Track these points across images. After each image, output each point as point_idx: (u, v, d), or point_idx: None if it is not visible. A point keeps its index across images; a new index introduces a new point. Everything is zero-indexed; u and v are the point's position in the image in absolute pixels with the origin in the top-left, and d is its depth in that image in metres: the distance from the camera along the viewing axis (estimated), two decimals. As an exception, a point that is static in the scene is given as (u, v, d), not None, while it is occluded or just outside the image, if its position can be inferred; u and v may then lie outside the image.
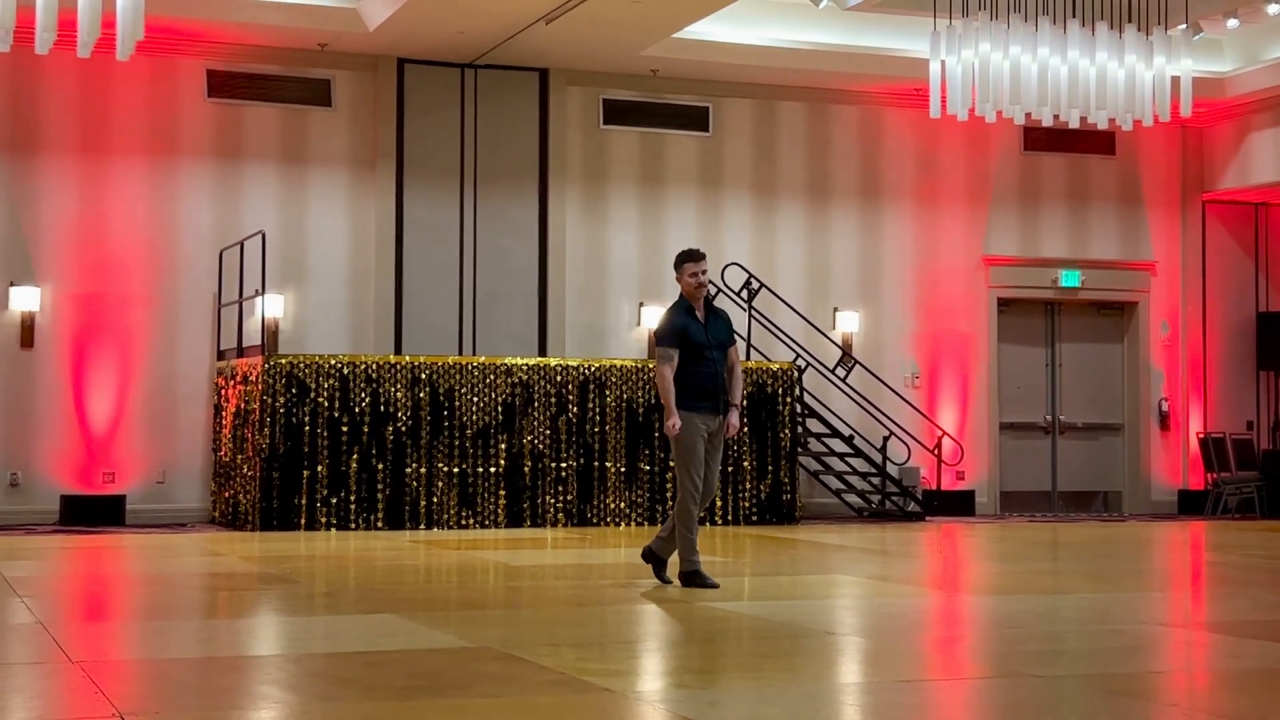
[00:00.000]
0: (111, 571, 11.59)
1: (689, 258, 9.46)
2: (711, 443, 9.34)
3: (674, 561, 9.58)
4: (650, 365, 15.21)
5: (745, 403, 15.37)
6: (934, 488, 17.40)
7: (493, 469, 14.68)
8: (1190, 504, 18.51)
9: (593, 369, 15.04)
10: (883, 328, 17.69)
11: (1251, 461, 18.51)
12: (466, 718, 5.62)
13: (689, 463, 9.25)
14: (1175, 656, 7.48)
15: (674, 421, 9.19)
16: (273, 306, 15.48)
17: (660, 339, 9.40)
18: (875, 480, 17.01)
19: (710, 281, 15.99)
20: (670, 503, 14.85)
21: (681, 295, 9.49)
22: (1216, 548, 13.88)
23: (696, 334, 9.35)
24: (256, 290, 14.73)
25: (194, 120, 15.67)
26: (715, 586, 9.28)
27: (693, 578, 9.36)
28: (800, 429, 16.31)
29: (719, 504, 15.21)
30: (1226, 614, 8.99)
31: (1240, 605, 9.31)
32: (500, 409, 14.71)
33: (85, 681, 6.19)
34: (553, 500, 14.85)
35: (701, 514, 9.46)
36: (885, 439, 16.94)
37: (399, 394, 14.43)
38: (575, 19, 14.58)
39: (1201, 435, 18.43)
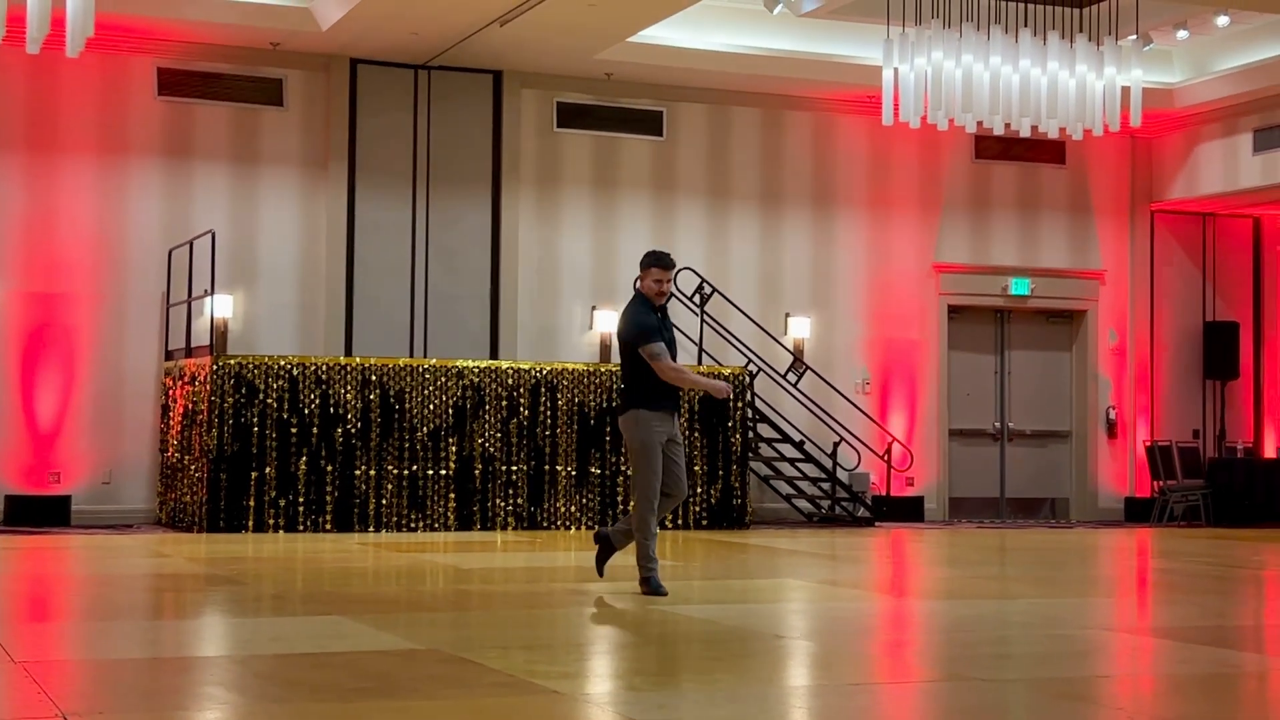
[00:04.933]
0: (56, 572, 11.48)
1: (658, 263, 9.18)
2: (672, 445, 9.23)
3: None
4: (602, 369, 15.20)
5: (684, 406, 15.39)
6: (883, 494, 17.46)
7: (443, 472, 14.63)
8: (1137, 511, 18.64)
9: (544, 372, 15.01)
10: (834, 333, 17.73)
11: (1197, 470, 18.66)
12: (414, 719, 5.59)
13: (649, 464, 9.05)
14: (1121, 661, 7.53)
15: (720, 384, 9.25)
16: (222, 307, 15.38)
17: (643, 336, 9.07)
18: (825, 486, 17.05)
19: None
20: (621, 505, 14.85)
21: (642, 295, 9.25)
22: (1163, 554, 13.98)
23: (666, 335, 9.27)
24: (206, 290, 14.64)
25: (144, 118, 15.56)
26: (664, 594, 9.14)
27: (646, 584, 9.18)
28: (751, 434, 16.33)
29: (669, 508, 15.19)
30: (1172, 620, 9.06)
31: (1186, 611, 9.38)
32: (451, 411, 14.67)
33: (29, 682, 6.13)
34: (503, 503, 14.81)
35: (665, 517, 9.36)
36: (836, 445, 16.99)
37: (349, 395, 14.37)
38: (529, 22, 14.56)
39: (1148, 443, 18.57)
